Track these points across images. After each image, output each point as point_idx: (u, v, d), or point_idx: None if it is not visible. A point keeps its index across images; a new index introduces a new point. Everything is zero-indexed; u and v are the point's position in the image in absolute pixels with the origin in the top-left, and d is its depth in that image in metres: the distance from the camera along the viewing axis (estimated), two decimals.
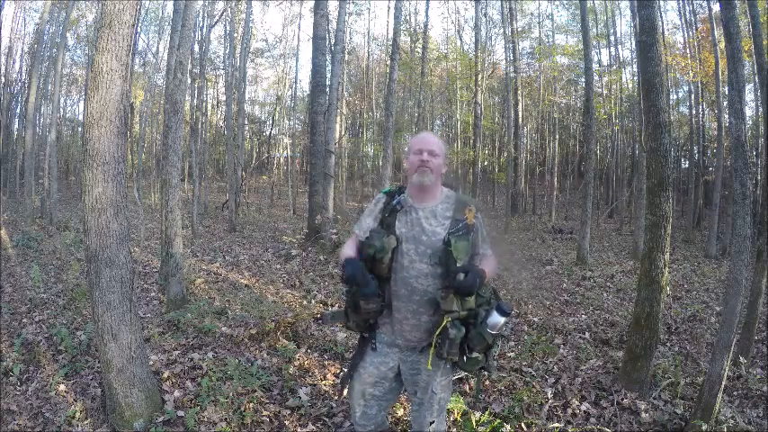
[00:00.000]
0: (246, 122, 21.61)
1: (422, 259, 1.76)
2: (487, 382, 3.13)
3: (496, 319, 1.69)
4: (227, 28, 14.14)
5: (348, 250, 1.87)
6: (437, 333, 1.74)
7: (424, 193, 1.83)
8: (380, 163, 14.94)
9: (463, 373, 2.86)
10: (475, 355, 1.76)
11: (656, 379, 3.19)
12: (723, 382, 2.54)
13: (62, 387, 2.90)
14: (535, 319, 4.73)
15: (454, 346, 1.72)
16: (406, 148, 1.93)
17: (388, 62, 11.32)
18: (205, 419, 2.57)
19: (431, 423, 1.89)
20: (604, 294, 5.97)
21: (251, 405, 2.72)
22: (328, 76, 8.81)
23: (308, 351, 3.60)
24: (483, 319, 1.71)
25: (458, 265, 1.70)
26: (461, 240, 1.73)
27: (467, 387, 3.06)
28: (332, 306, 4.88)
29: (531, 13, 19.16)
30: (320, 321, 4.12)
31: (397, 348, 1.87)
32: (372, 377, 1.90)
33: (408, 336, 1.83)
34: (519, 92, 17.47)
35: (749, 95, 12.03)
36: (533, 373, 3.35)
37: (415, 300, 1.77)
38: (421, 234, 1.78)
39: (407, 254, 1.77)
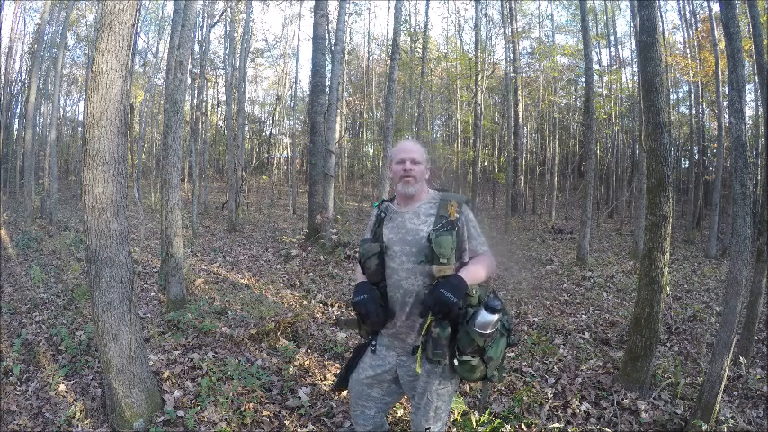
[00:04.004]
0: (246, 122, 21.60)
1: (409, 258, 1.79)
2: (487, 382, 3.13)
3: (485, 317, 1.64)
4: (227, 28, 14.13)
5: (358, 275, 1.97)
6: (422, 332, 1.73)
7: (409, 198, 1.88)
8: (380, 163, 14.94)
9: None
10: (466, 358, 1.70)
11: (656, 379, 3.19)
12: (723, 382, 2.53)
13: (62, 387, 2.90)
14: (535, 319, 4.73)
15: (439, 346, 1.68)
16: (389, 156, 1.98)
17: (388, 62, 11.31)
18: (205, 419, 2.57)
19: (427, 429, 1.87)
20: (604, 294, 5.97)
21: (251, 405, 2.72)
22: (328, 76, 8.80)
23: (308, 351, 3.60)
24: (470, 318, 1.68)
25: (441, 261, 1.69)
26: (444, 235, 1.72)
27: (467, 387, 3.06)
28: (332, 306, 4.88)
29: (531, 14, 19.18)
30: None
31: (395, 352, 1.89)
32: (369, 378, 1.93)
33: (404, 338, 1.85)
34: (519, 92, 17.47)
35: (749, 95, 12.03)
36: (533, 373, 3.35)
37: (408, 301, 1.79)
38: (406, 235, 1.82)
39: (396, 256, 1.82)
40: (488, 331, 1.67)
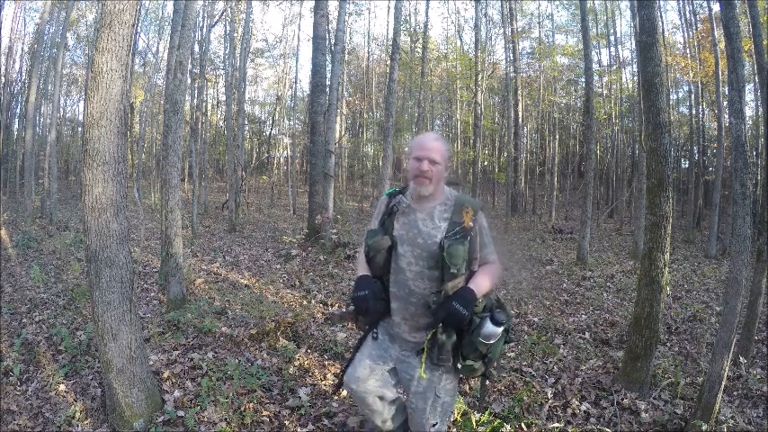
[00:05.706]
0: (246, 122, 21.59)
1: (418, 262, 1.74)
2: (487, 382, 3.13)
3: (490, 329, 1.65)
4: (227, 28, 14.13)
5: (361, 266, 1.89)
6: (428, 338, 1.72)
7: (423, 195, 1.81)
8: (380, 163, 14.93)
9: None
10: (469, 362, 1.73)
11: (656, 379, 3.19)
12: (723, 382, 2.53)
13: (62, 387, 2.90)
14: (535, 319, 4.73)
15: (444, 352, 1.69)
16: (408, 148, 1.92)
17: (388, 62, 11.32)
18: (205, 419, 2.57)
19: (433, 425, 1.87)
20: (604, 294, 5.97)
21: (251, 405, 2.72)
22: (328, 76, 8.80)
23: (308, 351, 3.60)
24: (476, 328, 1.68)
25: (451, 270, 1.66)
26: (457, 245, 1.67)
27: (467, 387, 3.06)
28: (332, 306, 4.88)
29: (531, 14, 19.16)
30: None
31: (398, 346, 1.87)
32: (367, 369, 1.90)
33: (407, 337, 1.83)
34: (519, 92, 17.46)
35: (749, 95, 12.02)
36: (533, 373, 3.35)
37: (413, 302, 1.76)
38: (417, 236, 1.76)
39: (405, 256, 1.77)
40: (492, 341, 1.68)
